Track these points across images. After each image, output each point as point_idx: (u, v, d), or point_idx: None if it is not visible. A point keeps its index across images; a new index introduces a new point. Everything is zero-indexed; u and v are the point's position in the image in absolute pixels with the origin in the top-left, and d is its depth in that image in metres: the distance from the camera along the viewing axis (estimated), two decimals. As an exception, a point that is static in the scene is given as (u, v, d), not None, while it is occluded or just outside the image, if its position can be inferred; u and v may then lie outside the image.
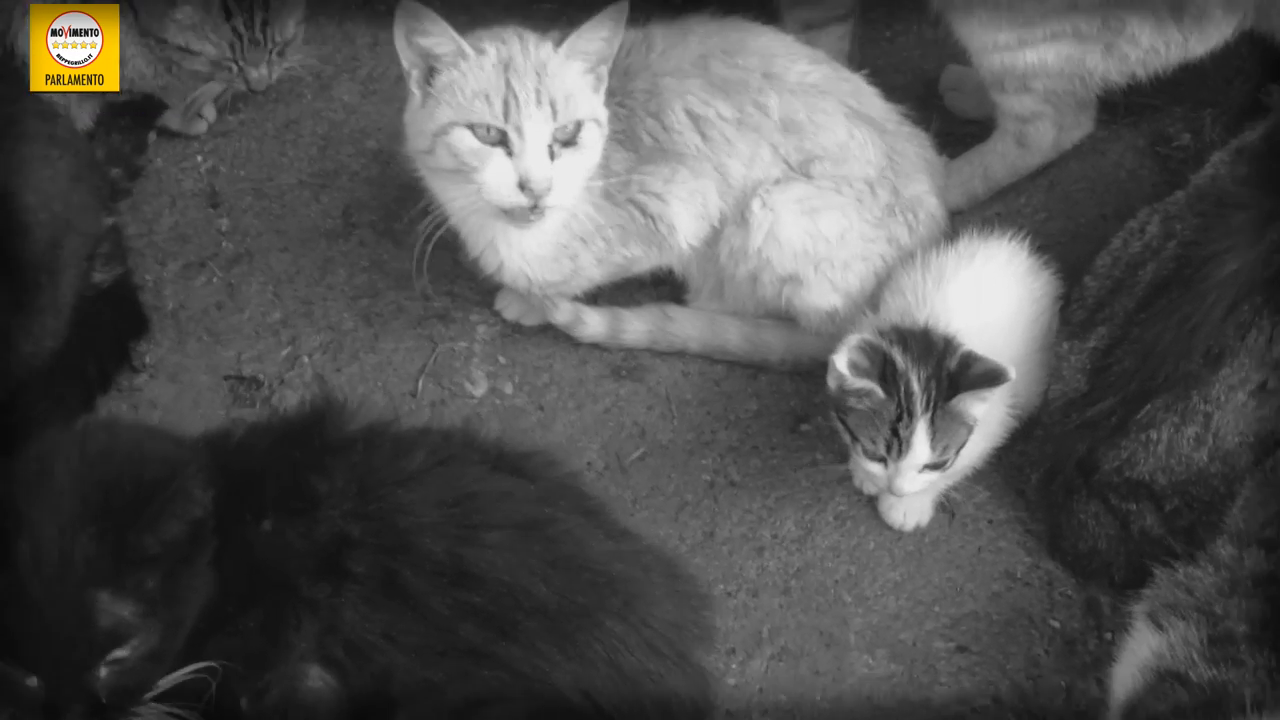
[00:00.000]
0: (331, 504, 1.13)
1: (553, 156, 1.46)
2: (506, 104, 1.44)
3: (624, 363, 1.74)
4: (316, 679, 1.11)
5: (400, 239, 1.84)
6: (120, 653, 1.05)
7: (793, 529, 1.58)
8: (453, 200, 1.55)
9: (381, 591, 1.11)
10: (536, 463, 1.28)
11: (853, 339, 1.43)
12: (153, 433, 1.24)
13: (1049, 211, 1.89)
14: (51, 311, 1.54)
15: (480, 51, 1.45)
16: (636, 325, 1.71)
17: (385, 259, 1.83)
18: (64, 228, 1.55)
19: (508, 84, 1.44)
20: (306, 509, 1.13)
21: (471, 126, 1.45)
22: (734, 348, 1.70)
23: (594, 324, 1.71)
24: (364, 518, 1.13)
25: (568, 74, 1.46)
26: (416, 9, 1.42)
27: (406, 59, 1.46)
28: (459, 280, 1.78)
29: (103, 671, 1.05)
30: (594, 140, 1.49)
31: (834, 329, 1.62)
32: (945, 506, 1.59)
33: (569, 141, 1.47)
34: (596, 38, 1.45)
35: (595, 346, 1.74)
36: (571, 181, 1.49)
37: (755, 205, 1.55)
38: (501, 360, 1.74)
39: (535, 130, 1.44)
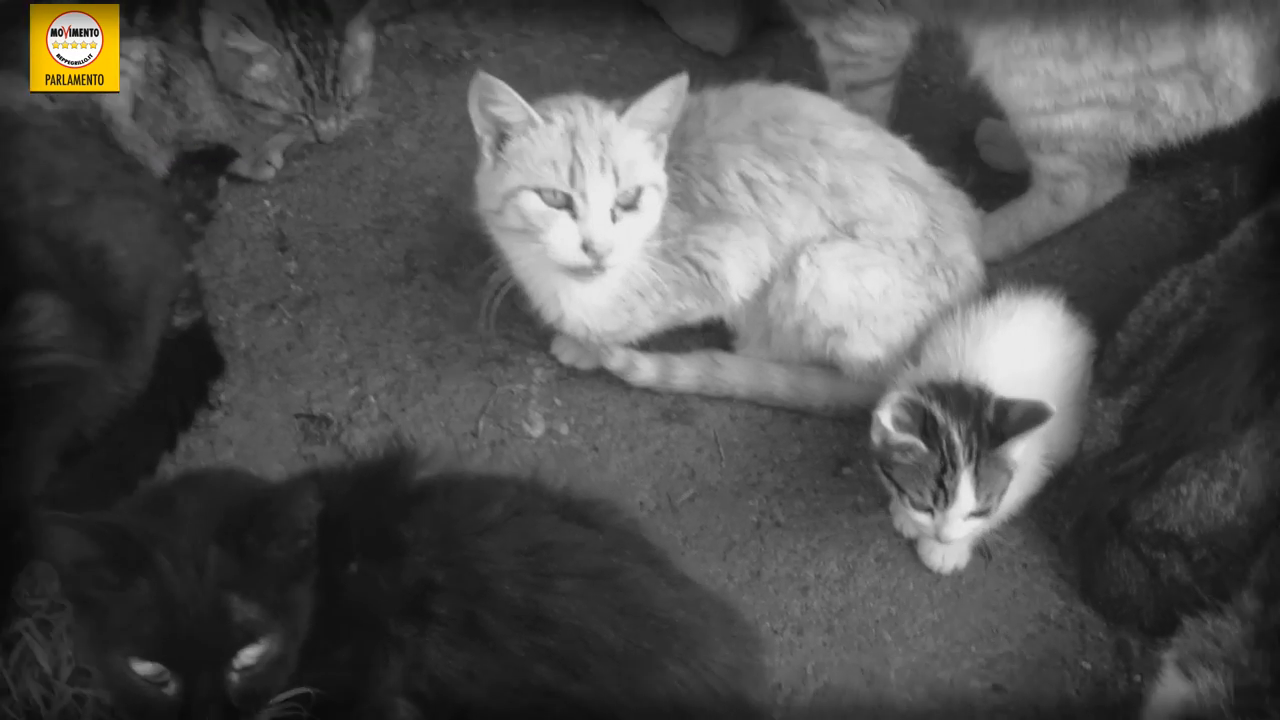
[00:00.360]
0: (417, 551, 1.22)
1: (614, 219, 1.54)
2: (572, 170, 1.52)
3: (674, 406, 1.82)
4: (403, 711, 1.20)
5: (460, 284, 1.94)
6: (250, 656, 1.14)
7: (835, 569, 1.66)
8: (519, 258, 1.64)
9: (463, 632, 1.19)
10: (600, 510, 1.36)
11: (894, 396, 1.51)
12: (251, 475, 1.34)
13: (1080, 263, 1.97)
14: (139, 355, 1.64)
15: (548, 120, 1.53)
16: (686, 371, 1.80)
17: (446, 303, 1.92)
18: (151, 277, 1.64)
19: (574, 151, 1.52)
20: (393, 555, 1.22)
21: (539, 190, 1.53)
22: (779, 394, 1.79)
23: (646, 369, 1.79)
24: (447, 564, 1.21)
25: (629, 142, 1.54)
26: (490, 81, 1.51)
27: (480, 125, 1.55)
28: (516, 325, 1.87)
29: (234, 677, 1.14)
30: (653, 204, 1.58)
31: (875, 378, 1.70)
32: (982, 550, 1.66)
33: (630, 205, 1.55)
34: (657, 108, 1.53)
35: (647, 390, 1.82)
36: (631, 242, 1.58)
37: (803, 262, 1.64)
38: (558, 402, 1.83)
39: (598, 195, 1.53)
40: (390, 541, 1.23)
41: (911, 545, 1.67)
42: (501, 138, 1.55)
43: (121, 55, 1.77)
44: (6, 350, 1.44)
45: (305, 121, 1.87)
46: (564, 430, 1.80)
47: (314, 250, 1.98)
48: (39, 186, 1.54)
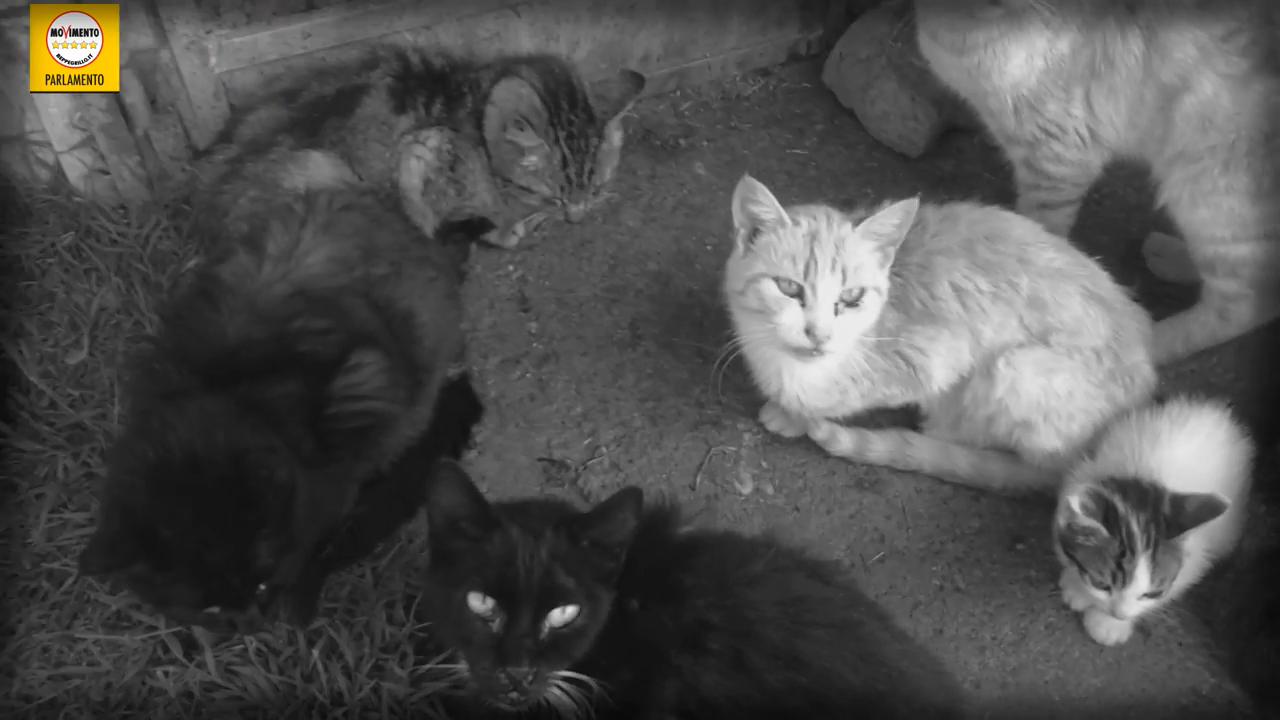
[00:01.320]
0: (695, 595, 1.48)
1: (837, 312, 1.79)
2: (808, 266, 1.78)
3: (866, 476, 2.07)
4: (673, 726, 1.47)
5: (678, 353, 2.21)
6: (561, 616, 1.41)
7: (1009, 633, 1.89)
8: (751, 334, 1.90)
9: (732, 666, 1.45)
10: (831, 569, 1.62)
11: (1080, 487, 1.74)
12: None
13: (1236, 372, 2.18)
14: (426, 403, 1.93)
15: (795, 223, 1.79)
16: (880, 446, 2.05)
17: (666, 368, 2.20)
18: (442, 336, 1.94)
19: (811, 251, 1.78)
20: (675, 597, 1.49)
21: (777, 279, 1.79)
22: (962, 473, 2.02)
23: (845, 442, 2.05)
24: (720, 608, 1.48)
25: (860, 249, 1.79)
26: (754, 184, 1.76)
27: (738, 219, 1.81)
28: (728, 393, 2.14)
29: (546, 626, 1.41)
30: (873, 305, 1.83)
31: (1053, 467, 1.94)
32: (1142, 627, 1.88)
33: (852, 303, 1.80)
34: (889, 224, 1.78)
35: (843, 460, 2.08)
36: (848, 334, 1.83)
37: (1001, 363, 1.88)
38: (764, 465, 2.09)
39: (826, 290, 1.78)
40: (671, 585, 1.50)
41: (1078, 617, 1.89)
42: (754, 232, 1.81)
43: (419, 142, 2.09)
44: (341, 397, 1.73)
45: (559, 204, 2.17)
46: (769, 490, 2.06)
47: (552, 313, 2.28)
48: (364, 258, 1.85)
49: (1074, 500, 1.71)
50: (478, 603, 1.41)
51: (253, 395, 1.66)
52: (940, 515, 2.03)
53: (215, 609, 1.57)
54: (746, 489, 2.06)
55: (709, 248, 2.37)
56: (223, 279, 1.76)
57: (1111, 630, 1.86)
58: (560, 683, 1.43)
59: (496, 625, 1.41)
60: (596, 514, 1.46)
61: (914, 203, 1.78)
